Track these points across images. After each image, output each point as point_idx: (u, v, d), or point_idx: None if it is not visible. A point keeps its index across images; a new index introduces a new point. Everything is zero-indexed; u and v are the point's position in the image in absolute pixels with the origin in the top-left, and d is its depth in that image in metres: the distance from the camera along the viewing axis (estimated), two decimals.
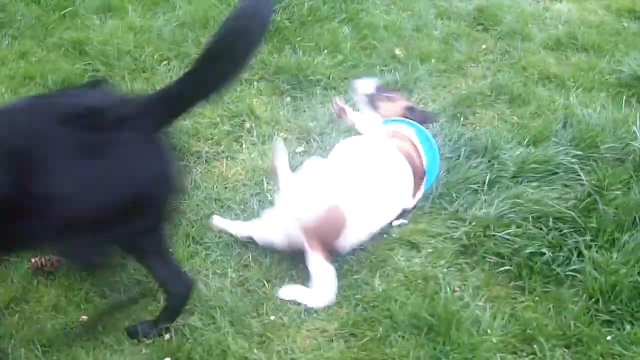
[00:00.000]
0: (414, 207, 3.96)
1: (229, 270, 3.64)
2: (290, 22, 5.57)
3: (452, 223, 3.88)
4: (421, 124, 4.17)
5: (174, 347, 3.24)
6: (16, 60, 5.29)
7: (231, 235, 3.80)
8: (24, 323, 3.40)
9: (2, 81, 5.06)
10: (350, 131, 4.34)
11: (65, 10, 5.70)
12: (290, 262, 3.68)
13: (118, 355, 3.24)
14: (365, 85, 4.27)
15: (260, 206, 4.00)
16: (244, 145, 4.46)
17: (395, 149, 3.90)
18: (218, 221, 3.86)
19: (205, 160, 4.36)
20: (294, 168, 3.75)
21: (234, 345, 3.24)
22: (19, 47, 5.42)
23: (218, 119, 4.64)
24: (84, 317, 3.41)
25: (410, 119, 4.15)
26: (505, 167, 4.11)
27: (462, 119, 4.65)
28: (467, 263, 3.68)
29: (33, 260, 3.63)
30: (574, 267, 3.55)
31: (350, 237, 3.62)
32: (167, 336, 3.31)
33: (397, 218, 3.89)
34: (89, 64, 5.20)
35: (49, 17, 5.68)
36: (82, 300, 3.49)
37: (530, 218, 3.78)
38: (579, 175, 4.06)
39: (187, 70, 2.96)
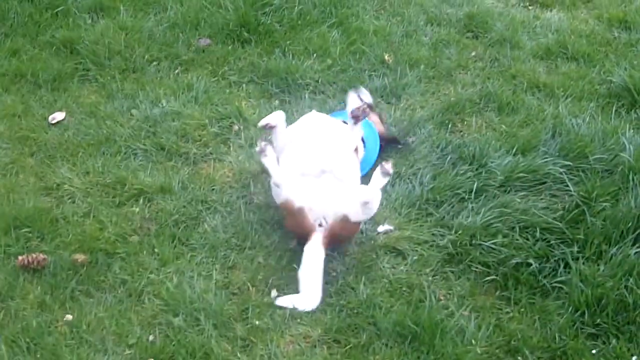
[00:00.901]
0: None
1: (214, 272, 3.63)
2: (280, 26, 5.56)
3: (438, 231, 3.88)
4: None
5: (157, 348, 3.24)
6: (8, 58, 5.27)
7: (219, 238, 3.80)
8: (8, 320, 3.40)
9: None
10: None
11: (58, 9, 5.67)
12: (275, 265, 3.68)
13: (101, 355, 3.23)
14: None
15: (247, 209, 3.99)
16: (231, 148, 4.45)
17: None
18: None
19: (193, 162, 4.35)
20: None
21: (217, 348, 3.23)
22: (10, 44, 5.40)
23: (206, 121, 4.63)
24: (69, 317, 3.40)
25: None
26: (492, 175, 4.11)
27: (450, 126, 4.65)
28: (452, 272, 3.68)
29: (20, 257, 3.62)
30: (560, 278, 3.56)
31: None
32: (151, 337, 3.30)
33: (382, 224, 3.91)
34: (80, 62, 5.19)
35: (41, 15, 5.65)
36: (68, 299, 3.49)
37: (517, 228, 3.79)
38: (567, 185, 4.07)
39: None
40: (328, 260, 3.66)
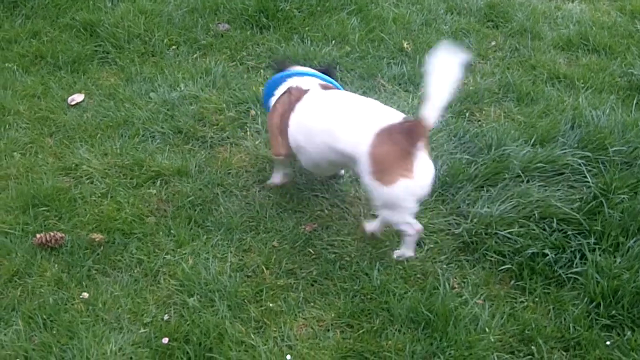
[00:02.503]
0: None
1: (229, 254, 3.65)
2: (299, 12, 5.56)
3: (454, 219, 3.88)
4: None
5: (172, 327, 3.26)
6: (28, 39, 5.31)
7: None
8: (26, 297, 3.44)
9: (13, 59, 5.10)
10: None
11: None
12: (290, 249, 3.68)
13: (117, 333, 3.26)
14: None
15: (262, 193, 4.00)
16: (248, 132, 4.45)
17: None
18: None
19: (210, 146, 4.36)
20: None
21: (231, 329, 3.25)
22: (31, 26, 5.44)
23: (224, 105, 4.64)
24: (85, 295, 3.42)
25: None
26: (510, 165, 4.09)
27: (468, 115, 4.64)
28: (467, 260, 3.68)
29: (37, 235, 3.66)
30: (576, 269, 3.54)
31: None
32: (165, 316, 3.33)
33: None
34: (100, 45, 5.23)
35: None
36: (84, 277, 3.52)
37: (534, 218, 3.77)
38: (585, 177, 4.04)
39: None
40: (343, 245, 3.68)
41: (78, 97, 4.75)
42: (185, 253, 3.64)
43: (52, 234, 3.66)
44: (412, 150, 3.24)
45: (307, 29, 5.39)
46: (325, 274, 3.57)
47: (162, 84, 4.83)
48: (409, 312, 3.34)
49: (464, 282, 3.56)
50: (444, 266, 3.63)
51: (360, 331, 3.30)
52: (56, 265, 3.57)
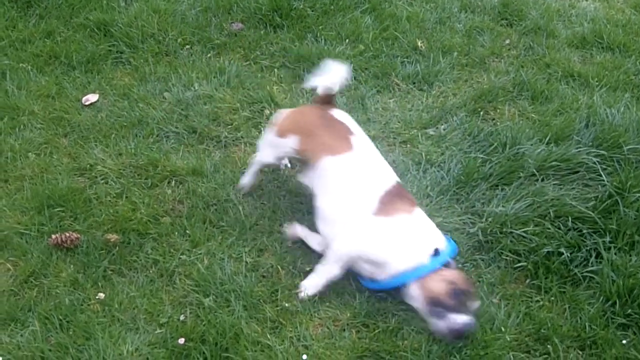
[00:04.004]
0: None
1: (244, 254, 3.65)
2: (312, 11, 5.56)
3: (469, 218, 3.87)
4: None
5: (188, 328, 3.27)
6: (42, 39, 5.33)
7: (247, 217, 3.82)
8: (42, 297, 3.46)
9: (27, 59, 5.11)
10: (370, 121, 4.38)
11: None
12: (304, 249, 3.68)
13: (133, 334, 3.27)
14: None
15: (277, 193, 4.01)
16: (262, 132, 4.45)
17: None
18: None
19: (224, 145, 4.37)
20: None
21: (247, 329, 3.26)
22: (45, 26, 5.46)
23: (238, 105, 4.65)
24: (101, 295, 3.44)
25: None
26: (525, 164, 4.08)
27: (482, 113, 4.63)
28: (482, 259, 3.67)
29: (53, 236, 3.67)
30: (591, 268, 3.53)
31: None
32: (182, 317, 3.33)
33: None
34: (114, 45, 5.23)
35: None
36: (100, 278, 3.54)
37: (549, 217, 3.76)
38: (600, 175, 4.03)
39: None
40: None
41: (92, 97, 4.76)
42: (201, 253, 3.65)
43: (67, 234, 3.67)
44: None
45: (320, 27, 5.39)
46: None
47: (176, 84, 4.84)
48: None
49: (480, 282, 3.55)
50: (459, 265, 3.61)
51: (376, 331, 3.30)
52: (72, 266, 3.59)
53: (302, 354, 3.19)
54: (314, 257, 3.63)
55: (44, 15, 5.56)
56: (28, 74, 4.95)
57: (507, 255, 3.65)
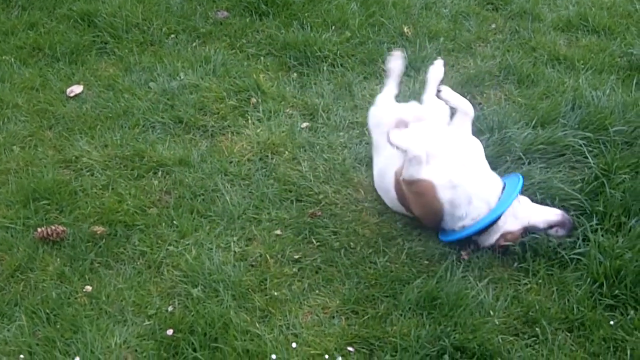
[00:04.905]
0: None
1: (232, 244, 3.64)
2: None
3: None
4: None
5: (176, 319, 3.26)
6: (25, 31, 5.29)
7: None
8: (28, 291, 3.44)
9: (10, 51, 5.08)
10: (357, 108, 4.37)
11: None
12: (293, 238, 3.68)
13: (121, 326, 3.26)
14: None
15: (265, 182, 4.00)
16: (249, 121, 4.44)
17: None
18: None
19: (211, 135, 4.35)
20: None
21: (236, 318, 3.25)
22: (28, 17, 5.41)
23: (224, 94, 4.63)
24: (88, 288, 3.43)
25: None
26: (512, 147, 4.08)
27: (469, 98, 4.58)
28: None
29: (39, 229, 3.65)
30: (579, 250, 3.53)
31: None
32: (170, 308, 3.33)
33: None
34: (98, 35, 5.20)
35: None
36: (87, 271, 3.52)
37: (536, 199, 3.75)
38: (586, 157, 4.03)
39: None
40: (347, 232, 3.67)
41: (77, 89, 4.73)
42: (189, 244, 3.64)
43: (53, 227, 3.65)
44: None
45: (306, 14, 5.36)
46: (329, 261, 3.57)
47: (162, 74, 4.81)
48: (413, 297, 3.34)
49: (468, 266, 3.55)
50: (448, 250, 3.62)
51: (365, 317, 3.30)
52: (58, 259, 3.57)
53: (292, 342, 3.18)
54: (303, 246, 3.63)
55: (26, 7, 5.51)
56: (11, 67, 4.92)
57: None
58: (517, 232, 3.54)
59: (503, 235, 3.55)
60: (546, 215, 3.52)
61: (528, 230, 3.54)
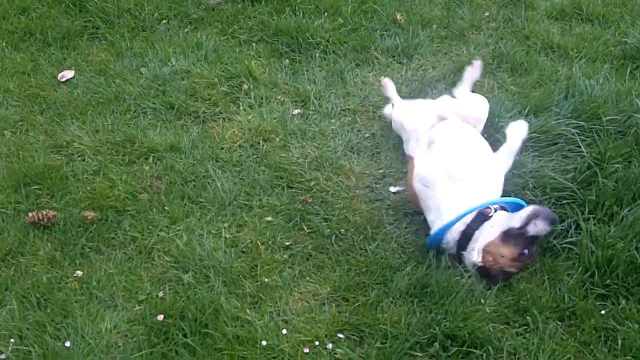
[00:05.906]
0: None
1: (223, 230, 3.64)
2: None
3: None
4: None
5: (167, 304, 3.26)
6: (17, 16, 5.26)
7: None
8: (19, 276, 3.44)
9: (2, 36, 5.06)
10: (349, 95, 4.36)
11: None
12: (284, 224, 3.67)
13: (111, 311, 3.26)
14: None
15: (256, 168, 3.98)
16: (241, 107, 4.43)
17: None
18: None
19: (202, 121, 4.34)
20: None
21: (226, 304, 3.24)
22: (19, 2, 5.39)
23: (216, 80, 4.61)
24: (79, 273, 3.42)
25: None
26: (504, 136, 4.06)
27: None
28: None
29: (30, 214, 3.64)
30: (570, 239, 3.53)
31: None
32: (160, 293, 3.32)
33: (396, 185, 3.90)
34: (89, 20, 5.18)
35: None
36: (78, 256, 3.51)
37: (528, 188, 3.76)
38: (579, 146, 4.02)
39: None
40: (338, 219, 3.67)
41: (68, 74, 4.71)
42: (180, 229, 3.63)
43: (44, 212, 3.64)
44: None
45: (299, 1, 5.33)
46: (320, 248, 3.57)
47: (153, 59, 4.79)
48: (404, 285, 3.33)
49: None
50: None
51: (356, 304, 3.30)
52: (49, 244, 3.56)
53: (282, 329, 3.18)
54: (294, 232, 3.62)
55: None
56: (3, 51, 4.90)
57: None
58: (497, 239, 3.38)
59: (485, 248, 3.39)
60: (520, 213, 3.38)
61: (507, 234, 3.37)
